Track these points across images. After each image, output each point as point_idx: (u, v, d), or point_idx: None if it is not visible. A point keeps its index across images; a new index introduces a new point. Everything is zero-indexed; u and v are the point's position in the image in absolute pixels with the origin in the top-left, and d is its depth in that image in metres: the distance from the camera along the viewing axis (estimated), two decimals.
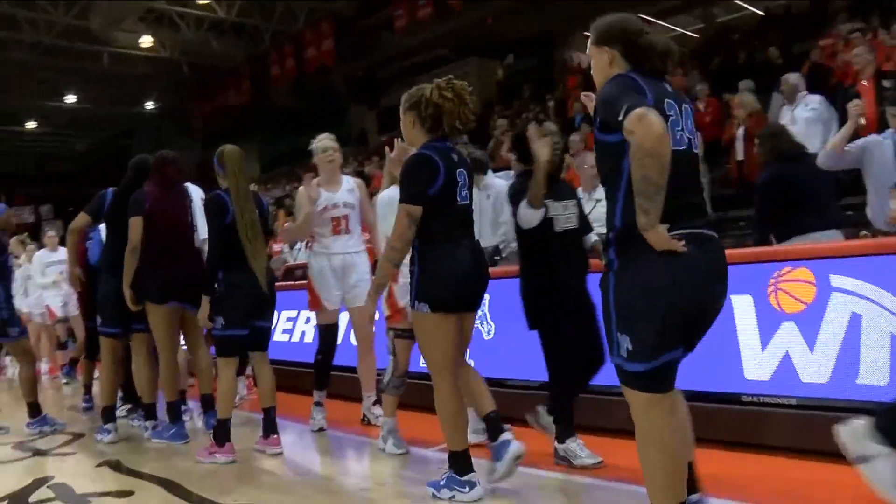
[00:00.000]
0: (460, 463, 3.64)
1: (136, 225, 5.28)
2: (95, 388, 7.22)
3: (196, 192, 5.77)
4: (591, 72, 2.81)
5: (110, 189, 5.91)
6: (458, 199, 3.72)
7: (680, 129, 2.58)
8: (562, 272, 4.15)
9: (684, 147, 2.58)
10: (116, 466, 4.82)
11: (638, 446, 2.58)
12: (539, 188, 4.00)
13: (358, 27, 21.54)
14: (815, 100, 7.85)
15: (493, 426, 3.77)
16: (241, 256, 4.69)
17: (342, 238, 5.52)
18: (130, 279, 5.31)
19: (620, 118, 2.40)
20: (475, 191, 6.88)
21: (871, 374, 3.83)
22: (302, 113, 24.67)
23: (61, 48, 21.63)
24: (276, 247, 11.10)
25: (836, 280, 4.05)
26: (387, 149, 4.93)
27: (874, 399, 3.72)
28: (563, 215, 4.20)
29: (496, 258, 6.24)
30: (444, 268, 3.63)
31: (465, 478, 3.61)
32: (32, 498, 4.17)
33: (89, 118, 28.51)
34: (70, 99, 26.11)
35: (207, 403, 5.64)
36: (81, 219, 5.97)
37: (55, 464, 5.16)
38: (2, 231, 6.46)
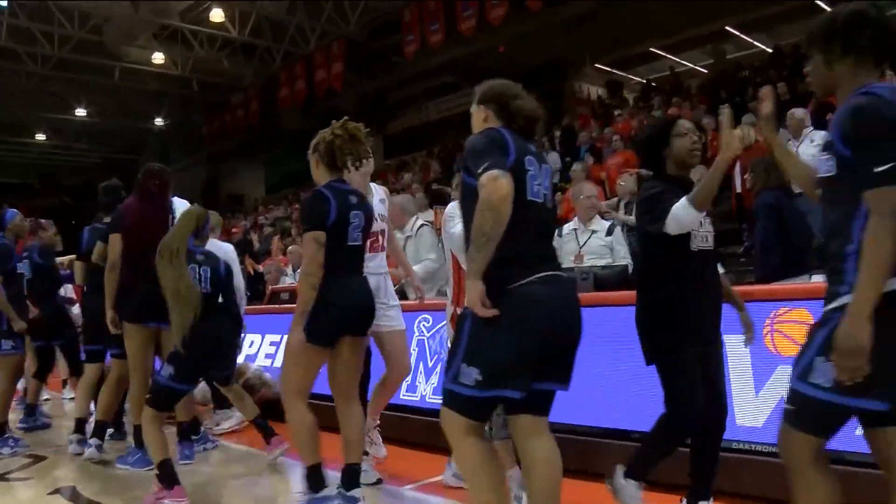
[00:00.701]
0: (314, 479, 3.84)
1: (114, 242, 5.08)
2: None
3: (181, 206, 5.39)
4: (472, 125, 3.11)
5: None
6: (349, 240, 3.90)
7: (538, 183, 2.90)
8: (694, 299, 3.43)
9: (541, 200, 2.91)
10: (70, 495, 4.57)
11: (461, 466, 2.99)
12: (713, 187, 3.26)
13: (369, 51, 21.51)
14: (821, 136, 7.64)
15: (350, 478, 3.83)
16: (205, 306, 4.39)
17: (379, 255, 4.63)
18: (112, 299, 5.07)
19: (479, 171, 2.71)
20: None
21: None
22: (309, 135, 24.19)
23: (74, 62, 21.72)
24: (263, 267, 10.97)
25: None
26: None
27: None
28: (700, 232, 3.50)
29: None
30: (328, 303, 3.77)
31: (321, 494, 3.81)
32: None
33: (98, 132, 28.56)
34: (80, 112, 26.12)
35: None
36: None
37: (6, 490, 4.91)
38: (15, 237, 6.34)
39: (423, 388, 5.32)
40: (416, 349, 5.45)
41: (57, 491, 4.65)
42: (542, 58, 19.76)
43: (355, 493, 3.83)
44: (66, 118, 26.62)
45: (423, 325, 5.46)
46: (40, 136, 28.92)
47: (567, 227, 6.22)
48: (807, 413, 2.38)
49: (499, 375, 2.70)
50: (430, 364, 5.31)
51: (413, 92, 22.68)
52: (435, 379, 5.23)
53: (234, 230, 17.91)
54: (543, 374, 2.82)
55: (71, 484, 4.79)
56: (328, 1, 19.43)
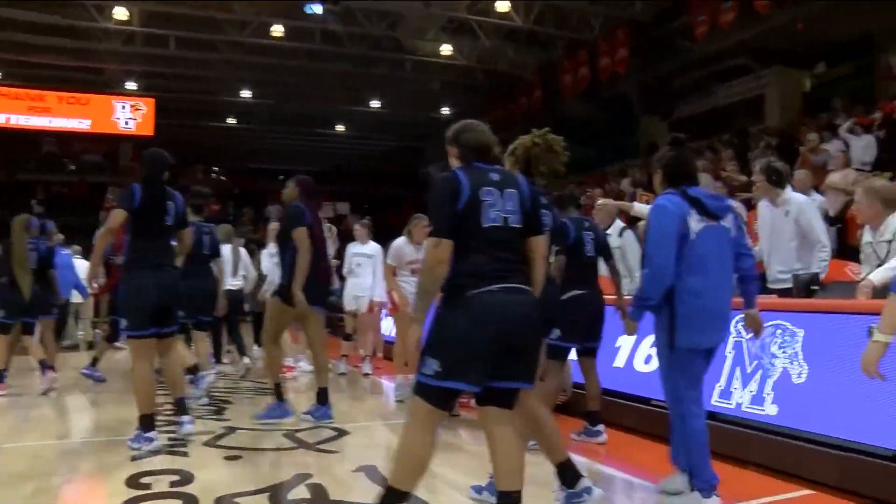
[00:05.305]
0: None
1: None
2: None
3: None
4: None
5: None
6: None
7: (497, 209, 3.39)
8: None
9: (500, 223, 3.36)
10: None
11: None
12: None
13: (654, 35, 20.72)
14: None
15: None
16: None
17: None
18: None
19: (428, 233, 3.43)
20: (770, 209, 6.09)
21: None
22: (592, 122, 24.28)
23: (371, 58, 23.11)
24: None
25: None
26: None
27: None
28: None
29: (813, 287, 5.40)
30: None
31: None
32: None
33: (389, 122, 30.24)
34: (374, 104, 27.78)
35: None
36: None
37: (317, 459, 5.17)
38: None
39: (740, 396, 4.86)
40: (733, 352, 4.99)
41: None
42: (849, 31, 17.86)
43: None
44: (361, 110, 28.48)
45: (742, 325, 4.98)
46: (339, 127, 31.26)
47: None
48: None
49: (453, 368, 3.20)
50: (749, 370, 4.83)
51: (700, 76, 21.52)
52: (754, 386, 4.76)
53: None
54: (502, 373, 3.27)
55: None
56: None
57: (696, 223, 3.85)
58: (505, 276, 3.26)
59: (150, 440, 5.25)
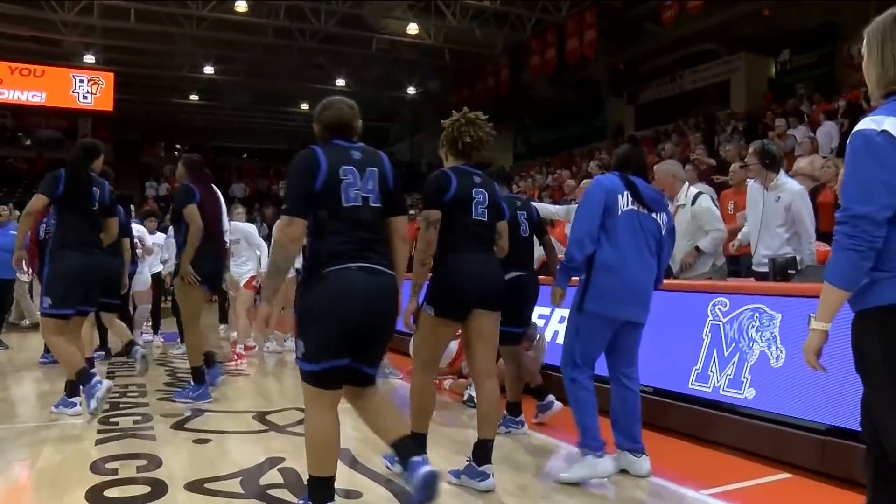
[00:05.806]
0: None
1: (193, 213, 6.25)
2: None
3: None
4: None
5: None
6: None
7: (356, 189, 3.35)
8: None
9: (360, 203, 3.36)
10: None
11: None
12: None
13: (622, 18, 20.73)
14: None
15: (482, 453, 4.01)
16: None
17: None
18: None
19: (282, 208, 3.33)
20: (762, 192, 6.08)
21: None
22: (559, 104, 24.26)
23: (337, 35, 22.78)
24: None
25: None
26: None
27: None
28: None
29: (790, 271, 5.40)
30: (448, 278, 4.02)
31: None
32: None
33: (354, 101, 29.92)
34: (339, 83, 27.44)
35: None
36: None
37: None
38: None
39: (717, 380, 4.86)
40: (710, 335, 4.98)
41: None
42: (814, 19, 18.04)
43: (486, 468, 3.94)
44: (327, 88, 28.09)
45: (719, 309, 4.98)
46: (304, 106, 30.87)
47: None
48: None
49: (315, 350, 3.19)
50: (726, 353, 4.82)
51: (668, 60, 21.60)
52: (731, 370, 4.75)
53: None
54: (355, 354, 3.27)
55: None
56: None
57: (624, 203, 4.12)
58: (364, 255, 3.25)
59: (73, 405, 5.72)
